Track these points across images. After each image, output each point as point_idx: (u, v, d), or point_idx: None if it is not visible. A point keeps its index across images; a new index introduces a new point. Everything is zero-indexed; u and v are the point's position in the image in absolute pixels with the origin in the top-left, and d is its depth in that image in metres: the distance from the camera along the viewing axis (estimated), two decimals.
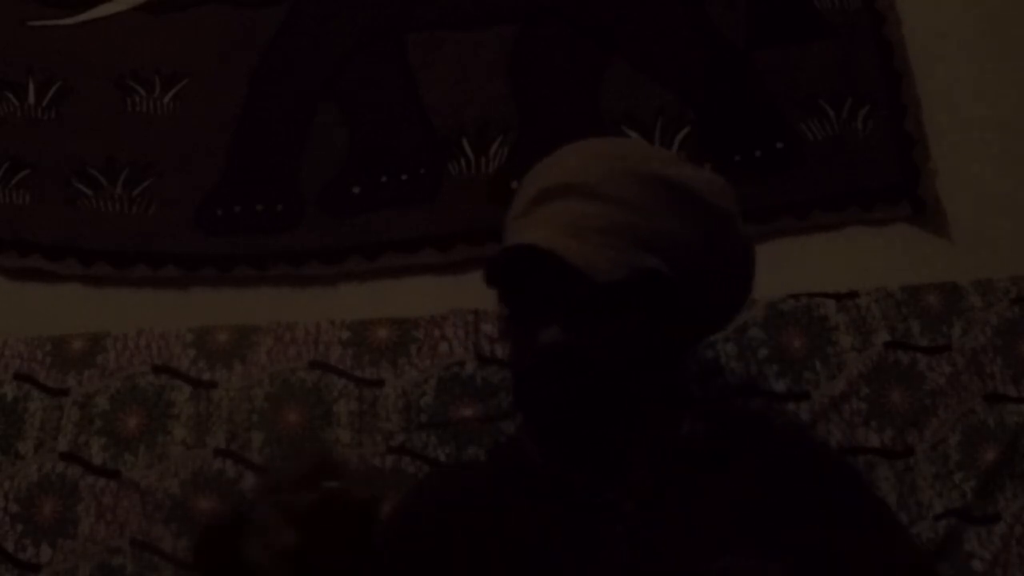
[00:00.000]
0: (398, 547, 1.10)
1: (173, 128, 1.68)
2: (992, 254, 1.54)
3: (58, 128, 1.68)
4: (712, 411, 1.17)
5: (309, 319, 1.47)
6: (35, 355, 1.44)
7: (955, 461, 1.34)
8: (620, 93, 1.67)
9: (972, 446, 1.35)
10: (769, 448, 1.11)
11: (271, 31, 1.73)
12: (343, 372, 1.41)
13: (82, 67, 1.70)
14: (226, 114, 1.68)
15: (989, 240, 1.56)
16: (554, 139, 1.61)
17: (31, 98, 1.69)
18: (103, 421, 1.39)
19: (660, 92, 1.66)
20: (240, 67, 1.70)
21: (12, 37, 1.73)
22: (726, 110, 1.66)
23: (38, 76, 1.70)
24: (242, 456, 1.36)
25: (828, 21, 1.69)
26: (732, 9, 1.70)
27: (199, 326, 1.47)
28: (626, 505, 1.04)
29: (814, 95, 1.65)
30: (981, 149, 1.63)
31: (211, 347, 1.44)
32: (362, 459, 1.35)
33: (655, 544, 1.01)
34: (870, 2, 1.70)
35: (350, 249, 1.60)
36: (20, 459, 1.37)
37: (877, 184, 1.60)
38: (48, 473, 1.36)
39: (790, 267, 1.55)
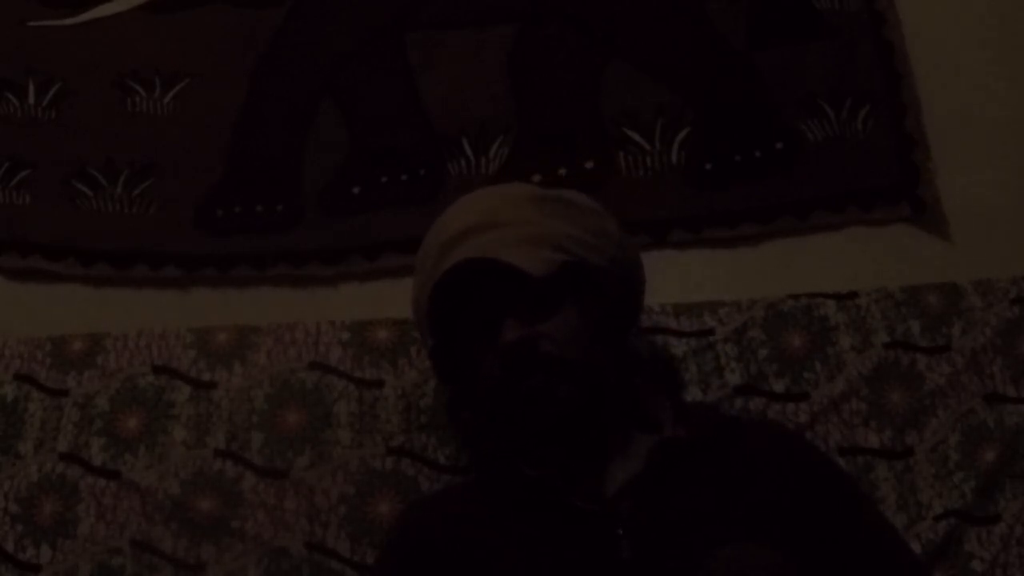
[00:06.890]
0: None
1: (173, 128, 1.68)
2: (992, 254, 1.54)
3: (58, 128, 1.68)
4: (692, 414, 1.20)
5: (309, 319, 1.46)
6: (35, 355, 1.44)
7: (955, 461, 1.34)
8: (620, 93, 1.67)
9: (972, 446, 1.35)
10: (748, 448, 1.14)
11: (271, 31, 1.73)
12: (343, 373, 1.41)
13: (82, 67, 1.71)
14: (226, 114, 1.68)
15: (989, 240, 1.56)
16: (554, 139, 1.65)
17: (31, 98, 1.69)
18: (103, 421, 1.39)
19: (660, 92, 1.66)
20: (240, 67, 1.71)
21: (12, 37, 1.73)
22: (726, 110, 1.66)
23: (38, 76, 1.70)
24: (242, 457, 1.36)
25: (828, 21, 1.69)
26: (732, 9, 1.70)
27: (199, 326, 1.47)
28: (623, 506, 1.06)
29: (814, 95, 1.65)
30: (981, 149, 1.63)
31: (211, 347, 1.44)
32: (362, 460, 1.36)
33: (656, 542, 1.03)
34: (870, 2, 1.70)
35: (350, 249, 1.60)
36: (20, 459, 1.37)
37: (877, 184, 1.60)
38: (48, 473, 1.36)
39: (790, 267, 1.55)
